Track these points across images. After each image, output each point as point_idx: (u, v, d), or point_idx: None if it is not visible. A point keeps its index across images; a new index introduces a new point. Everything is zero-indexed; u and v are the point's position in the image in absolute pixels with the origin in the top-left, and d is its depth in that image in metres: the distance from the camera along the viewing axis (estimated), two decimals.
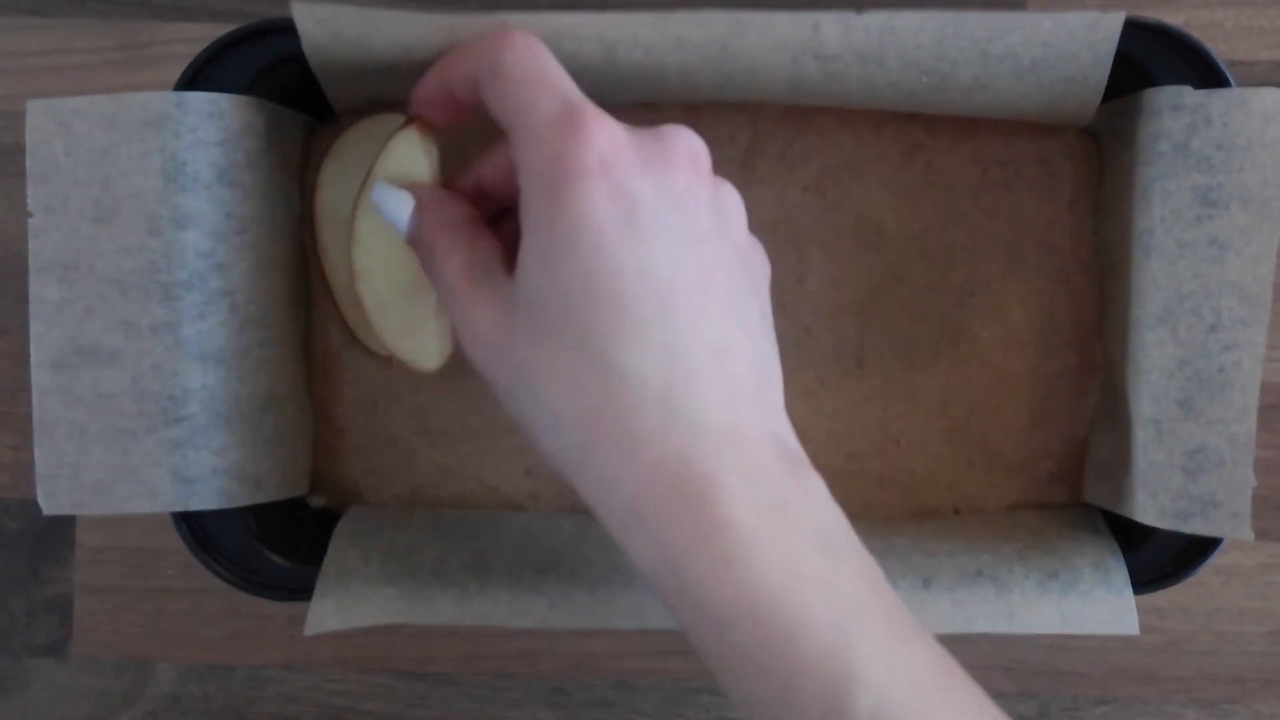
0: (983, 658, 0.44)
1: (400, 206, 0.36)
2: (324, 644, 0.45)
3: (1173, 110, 0.36)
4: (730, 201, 0.33)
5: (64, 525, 0.45)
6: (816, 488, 0.31)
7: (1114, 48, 0.36)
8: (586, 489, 0.30)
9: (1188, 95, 0.36)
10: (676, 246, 0.30)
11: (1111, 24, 0.36)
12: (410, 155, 0.38)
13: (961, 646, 0.45)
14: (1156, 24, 0.37)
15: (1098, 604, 0.38)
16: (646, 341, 0.30)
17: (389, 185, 0.36)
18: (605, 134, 0.30)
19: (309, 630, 0.38)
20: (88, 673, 0.45)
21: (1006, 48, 0.37)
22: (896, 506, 0.43)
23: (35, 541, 0.45)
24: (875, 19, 0.36)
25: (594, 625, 0.38)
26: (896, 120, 0.42)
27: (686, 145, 0.32)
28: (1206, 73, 0.37)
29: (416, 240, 0.35)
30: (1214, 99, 0.36)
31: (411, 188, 0.36)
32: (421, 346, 0.41)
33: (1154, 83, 0.37)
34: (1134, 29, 0.37)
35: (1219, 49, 0.38)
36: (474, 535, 0.40)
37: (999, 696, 0.44)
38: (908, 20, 0.36)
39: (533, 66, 0.32)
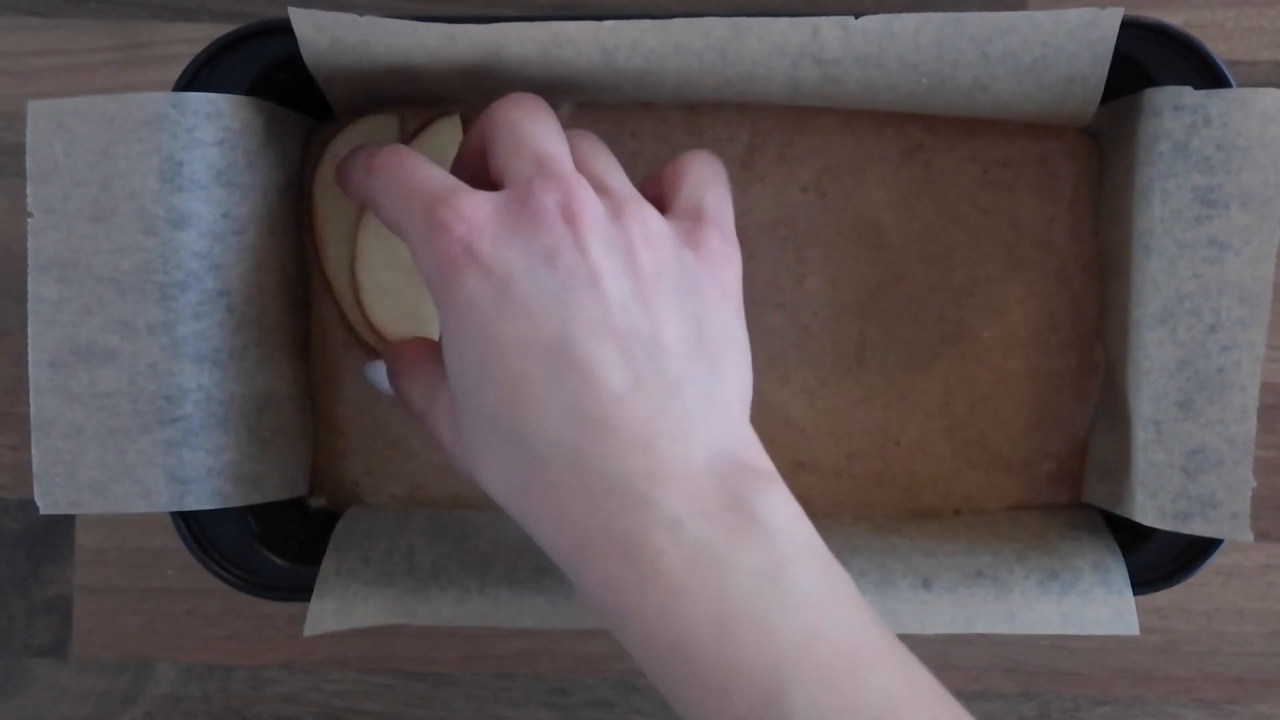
0: (983, 658, 0.44)
1: (382, 373, 0.38)
2: (324, 644, 0.45)
3: (1173, 110, 0.36)
4: (635, 226, 0.32)
5: (64, 525, 0.45)
6: (769, 506, 0.29)
7: (1112, 45, 0.36)
8: (546, 553, 0.31)
9: (1188, 95, 0.36)
10: (560, 302, 0.30)
11: (1110, 21, 0.36)
12: (451, 140, 0.41)
13: (961, 647, 0.45)
14: (1156, 24, 0.37)
15: (1098, 604, 0.38)
16: (546, 410, 0.29)
17: (373, 364, 0.39)
18: (462, 220, 0.30)
19: (308, 631, 0.38)
20: (88, 673, 0.45)
21: (1006, 48, 0.37)
22: (896, 507, 0.43)
23: (35, 541, 0.45)
24: (874, 22, 0.36)
25: (594, 625, 0.38)
26: (896, 120, 0.42)
27: (552, 196, 0.31)
28: (1206, 73, 0.37)
29: (394, 389, 0.37)
30: (1214, 99, 0.36)
31: (383, 349, 0.38)
32: (421, 331, 0.41)
33: (1154, 83, 0.37)
34: (1134, 29, 0.37)
35: (1219, 49, 0.38)
36: (473, 536, 0.40)
37: (999, 697, 0.45)
38: (907, 22, 0.36)
39: (394, 181, 0.33)
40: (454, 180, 0.33)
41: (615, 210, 0.32)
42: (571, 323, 0.30)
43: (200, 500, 0.37)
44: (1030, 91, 0.38)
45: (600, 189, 0.33)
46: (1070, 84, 0.37)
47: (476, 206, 0.31)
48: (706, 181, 0.35)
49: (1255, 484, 0.36)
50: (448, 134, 0.42)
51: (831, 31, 0.36)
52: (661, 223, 0.33)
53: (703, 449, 0.30)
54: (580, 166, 0.33)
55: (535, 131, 0.33)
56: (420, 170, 0.33)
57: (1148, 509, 0.37)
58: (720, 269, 0.33)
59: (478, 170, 0.35)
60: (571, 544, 0.30)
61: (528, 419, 0.30)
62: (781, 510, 0.30)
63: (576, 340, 0.30)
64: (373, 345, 0.43)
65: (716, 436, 0.30)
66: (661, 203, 0.35)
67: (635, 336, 0.30)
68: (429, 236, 0.31)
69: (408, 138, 0.42)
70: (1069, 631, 0.38)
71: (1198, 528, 0.36)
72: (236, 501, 0.38)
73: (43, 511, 0.37)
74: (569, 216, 0.31)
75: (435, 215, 0.31)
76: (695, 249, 0.33)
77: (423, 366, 0.35)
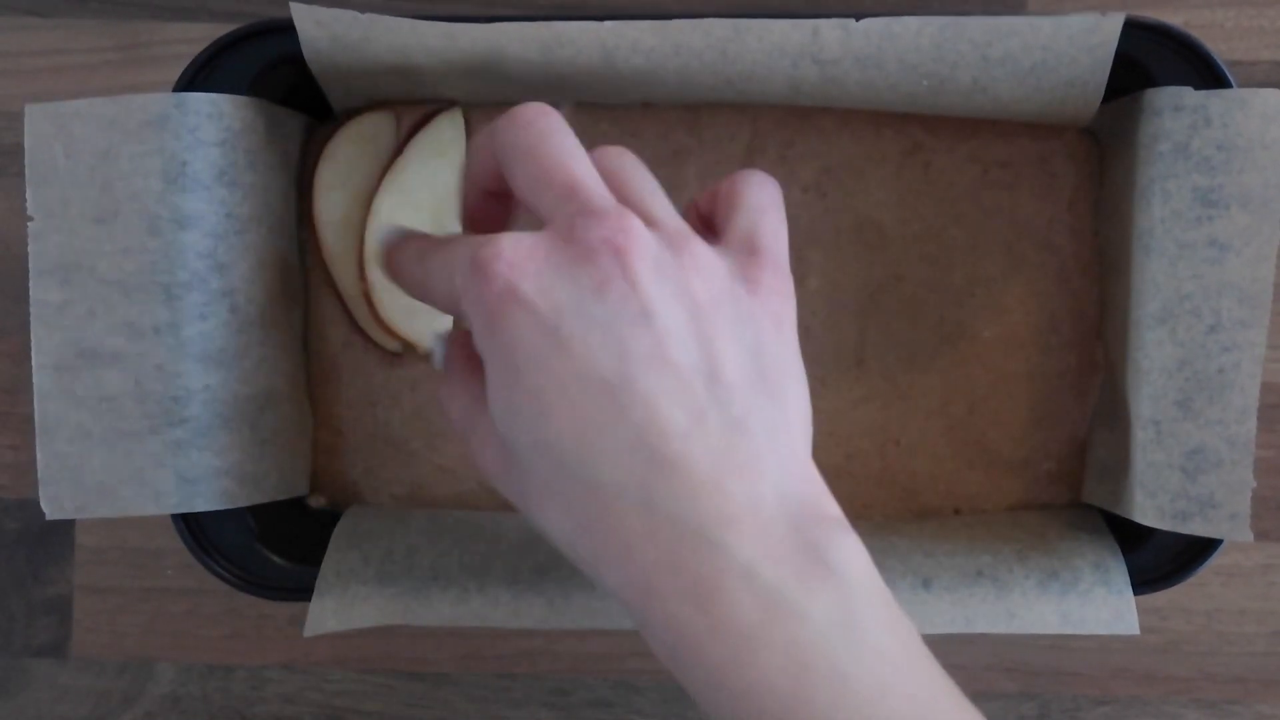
0: (983, 658, 0.44)
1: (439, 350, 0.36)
2: (324, 644, 0.45)
3: (1173, 111, 0.36)
4: (689, 260, 0.30)
5: (64, 525, 0.45)
6: (841, 553, 0.28)
7: (1113, 51, 0.36)
8: (609, 592, 0.30)
9: (1188, 96, 0.36)
10: (614, 336, 0.29)
11: (1111, 27, 0.36)
12: (452, 137, 0.41)
13: (961, 646, 0.45)
14: (1157, 24, 0.37)
15: (1098, 604, 0.38)
16: (611, 446, 0.28)
17: (437, 334, 0.36)
18: (504, 259, 0.29)
19: (308, 631, 0.38)
20: (88, 673, 0.45)
21: (1006, 51, 0.37)
22: (896, 506, 0.43)
23: (35, 541, 0.45)
24: (874, 24, 0.36)
25: (594, 625, 0.38)
26: (896, 120, 0.42)
27: (600, 231, 0.29)
28: (1207, 73, 0.37)
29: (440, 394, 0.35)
30: (1214, 100, 0.36)
31: (441, 333, 0.36)
32: (434, 327, 0.42)
33: (1154, 83, 0.37)
34: (1134, 29, 0.37)
35: (1219, 49, 0.38)
36: (473, 536, 0.40)
37: (999, 696, 0.45)
38: (907, 24, 0.36)
39: (425, 251, 0.33)
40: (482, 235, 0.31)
41: (665, 241, 0.30)
42: (628, 357, 0.29)
43: (208, 501, 0.37)
44: (1030, 94, 0.38)
45: (646, 219, 0.31)
46: (1070, 87, 0.37)
47: (517, 247, 0.30)
48: (762, 210, 0.33)
49: (1255, 484, 0.36)
50: (448, 130, 0.42)
51: (832, 32, 0.36)
52: (713, 255, 0.31)
53: (772, 489, 0.29)
54: (621, 193, 0.32)
55: (559, 157, 0.31)
56: (458, 236, 0.32)
57: (1147, 509, 0.37)
58: (774, 303, 0.32)
59: (493, 186, 0.34)
60: (637, 584, 0.28)
61: (592, 455, 0.28)
62: (853, 558, 0.29)
63: (634, 375, 0.29)
64: (380, 343, 0.43)
65: (785, 476, 0.29)
66: (711, 224, 0.34)
67: (694, 371, 0.29)
68: (473, 282, 0.30)
69: (407, 134, 0.42)
70: (1069, 631, 0.38)
71: (1197, 528, 0.36)
72: (242, 501, 0.38)
73: (49, 517, 0.37)
74: (617, 250, 0.29)
75: (479, 259, 0.29)
76: (749, 283, 0.31)
77: (469, 382, 0.33)
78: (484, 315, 0.30)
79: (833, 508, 0.30)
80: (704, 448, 0.28)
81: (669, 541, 0.28)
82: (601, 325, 0.29)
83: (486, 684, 0.45)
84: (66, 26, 0.44)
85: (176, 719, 0.45)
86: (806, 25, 0.36)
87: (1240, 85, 0.36)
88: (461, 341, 0.34)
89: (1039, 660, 0.44)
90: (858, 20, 0.36)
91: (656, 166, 0.36)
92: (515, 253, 0.29)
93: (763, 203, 0.33)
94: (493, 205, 0.35)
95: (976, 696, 0.44)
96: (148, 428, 0.37)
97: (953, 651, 0.31)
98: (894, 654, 0.28)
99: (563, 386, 0.29)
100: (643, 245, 0.30)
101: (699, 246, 0.31)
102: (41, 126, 0.36)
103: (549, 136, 0.31)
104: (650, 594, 0.28)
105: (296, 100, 0.40)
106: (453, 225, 0.39)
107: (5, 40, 0.44)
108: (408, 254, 0.34)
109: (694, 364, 0.29)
